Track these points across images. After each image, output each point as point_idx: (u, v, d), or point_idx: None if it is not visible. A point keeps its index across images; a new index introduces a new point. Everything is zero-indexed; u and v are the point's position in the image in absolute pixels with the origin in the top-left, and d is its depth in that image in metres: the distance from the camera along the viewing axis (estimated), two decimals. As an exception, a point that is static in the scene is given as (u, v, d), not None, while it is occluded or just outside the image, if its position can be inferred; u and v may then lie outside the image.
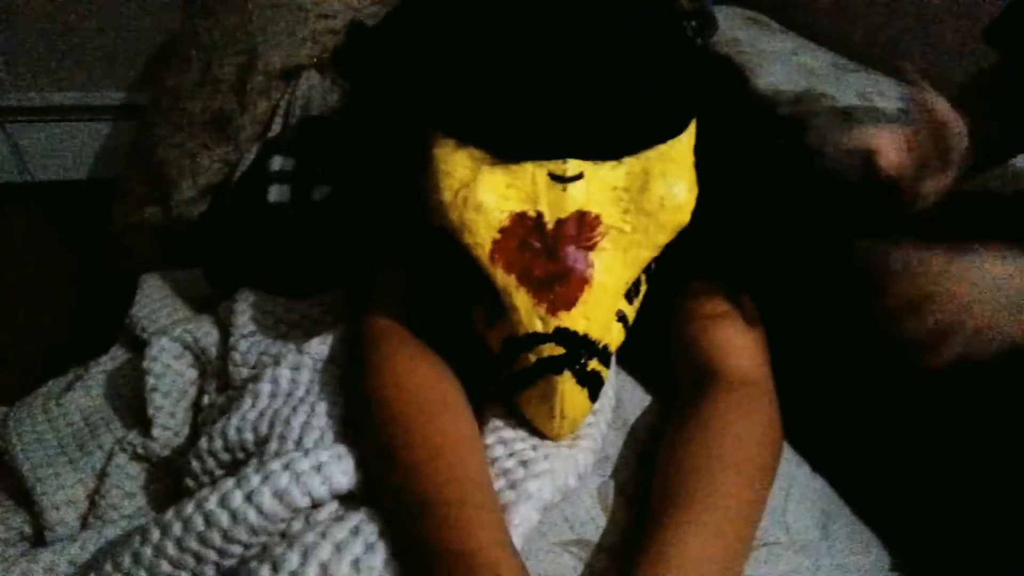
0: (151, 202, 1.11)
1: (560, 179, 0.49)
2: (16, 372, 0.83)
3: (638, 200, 0.50)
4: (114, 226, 1.14)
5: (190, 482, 0.56)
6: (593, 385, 0.52)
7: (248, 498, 0.47)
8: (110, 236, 1.14)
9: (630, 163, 0.50)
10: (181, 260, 0.96)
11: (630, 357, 0.62)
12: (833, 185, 0.68)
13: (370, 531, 0.45)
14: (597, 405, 0.54)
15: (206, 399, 0.63)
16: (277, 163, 0.68)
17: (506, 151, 0.49)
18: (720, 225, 0.56)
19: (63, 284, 1.14)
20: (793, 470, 0.54)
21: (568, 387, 0.50)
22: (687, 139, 0.53)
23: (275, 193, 0.67)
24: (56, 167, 1.45)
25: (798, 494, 0.52)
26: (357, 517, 0.46)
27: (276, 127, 0.99)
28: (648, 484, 0.51)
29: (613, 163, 0.50)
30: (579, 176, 0.49)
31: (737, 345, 0.58)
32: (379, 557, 0.43)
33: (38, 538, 0.60)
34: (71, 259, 1.20)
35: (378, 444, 0.49)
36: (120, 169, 1.24)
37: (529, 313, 0.50)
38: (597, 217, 0.50)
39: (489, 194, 0.49)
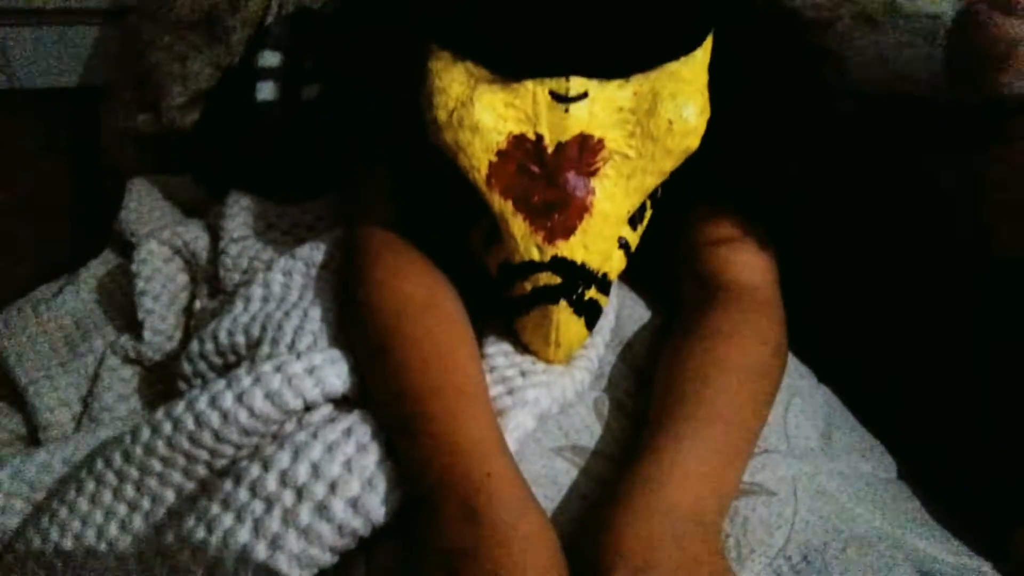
0: (141, 109, 1.07)
1: (562, 99, 0.46)
2: (7, 281, 0.81)
3: (644, 123, 0.47)
4: (104, 134, 1.11)
5: (182, 385, 0.55)
6: (591, 314, 0.51)
7: (239, 399, 0.46)
8: (100, 144, 1.10)
9: (638, 82, 0.47)
10: (175, 169, 0.93)
11: (632, 274, 0.60)
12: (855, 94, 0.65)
13: (363, 432, 0.44)
14: (596, 327, 0.53)
15: (198, 304, 0.62)
16: (265, 58, 0.65)
17: (505, 67, 0.46)
18: (734, 146, 0.53)
19: (53, 193, 1.12)
20: (796, 381, 0.53)
21: (564, 316, 0.49)
22: (702, 56, 0.49)
23: (263, 91, 0.64)
24: (44, 73, 1.39)
25: (800, 404, 0.51)
26: (350, 419, 0.45)
27: (268, 28, 0.94)
28: (645, 398, 0.50)
29: (620, 82, 0.47)
30: (583, 96, 0.46)
31: (744, 262, 0.56)
32: (371, 458, 0.42)
33: (33, 439, 0.59)
34: (61, 168, 1.17)
35: (370, 346, 0.48)
36: (110, 75, 1.19)
37: (525, 241, 0.48)
38: (600, 141, 0.47)
39: (486, 114, 0.46)
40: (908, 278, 0.57)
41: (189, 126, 1.00)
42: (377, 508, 0.41)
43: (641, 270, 0.59)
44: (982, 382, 0.52)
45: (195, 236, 0.65)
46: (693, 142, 0.48)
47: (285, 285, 0.56)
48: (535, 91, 0.46)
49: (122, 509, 0.48)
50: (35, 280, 0.77)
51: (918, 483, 0.50)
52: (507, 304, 0.51)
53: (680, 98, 0.47)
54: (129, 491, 0.48)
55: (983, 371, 0.52)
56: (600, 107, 0.47)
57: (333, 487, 0.41)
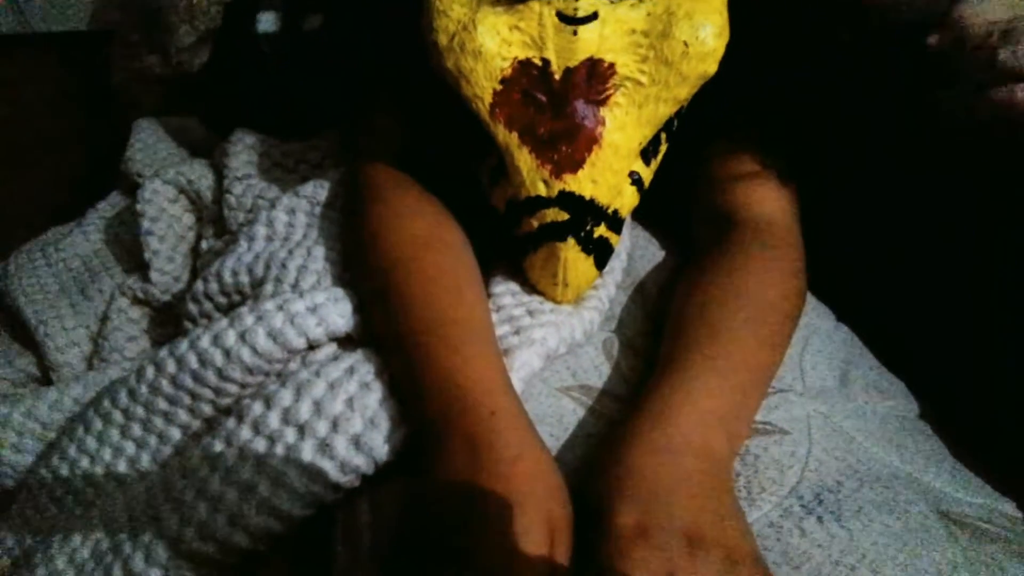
0: (150, 50, 1.05)
1: (570, 20, 0.42)
2: (22, 226, 0.82)
3: (658, 47, 0.43)
4: (114, 77, 1.09)
5: (188, 325, 0.55)
6: (600, 252, 0.49)
7: (242, 337, 0.46)
8: (112, 88, 1.09)
9: (651, 1, 0.44)
10: (185, 110, 0.92)
11: (647, 213, 0.58)
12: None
13: (365, 371, 0.43)
14: (607, 267, 0.51)
15: (203, 244, 0.62)
16: (265, -12, 0.62)
17: None
18: (755, 73, 0.50)
19: (66, 136, 1.11)
20: (815, 320, 0.51)
21: (572, 255, 0.47)
22: None
23: (264, 22, 0.62)
24: (56, 17, 1.37)
25: (818, 343, 0.49)
26: (353, 357, 0.44)
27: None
28: (657, 339, 0.48)
29: (632, 1, 0.43)
30: (592, 16, 0.43)
31: (764, 197, 0.53)
32: (374, 396, 0.42)
33: (45, 379, 0.60)
34: (74, 112, 1.16)
35: (374, 284, 0.47)
36: (119, 17, 1.17)
37: (532, 175, 0.45)
38: (611, 66, 0.44)
39: (489, 38, 0.43)
40: (930, 212, 0.54)
41: (198, 68, 0.99)
42: (379, 446, 0.40)
43: (656, 208, 0.56)
44: (1004, 320, 0.50)
45: (200, 175, 0.64)
46: (710, 67, 0.45)
47: (289, 224, 0.55)
48: (541, 12, 0.43)
49: (129, 447, 0.48)
50: (47, 222, 0.77)
51: (942, 423, 0.48)
52: (515, 242, 0.50)
53: (697, 18, 0.44)
54: (136, 429, 0.48)
55: (1006, 309, 0.50)
56: (611, 29, 0.44)
57: (335, 425, 0.41)
